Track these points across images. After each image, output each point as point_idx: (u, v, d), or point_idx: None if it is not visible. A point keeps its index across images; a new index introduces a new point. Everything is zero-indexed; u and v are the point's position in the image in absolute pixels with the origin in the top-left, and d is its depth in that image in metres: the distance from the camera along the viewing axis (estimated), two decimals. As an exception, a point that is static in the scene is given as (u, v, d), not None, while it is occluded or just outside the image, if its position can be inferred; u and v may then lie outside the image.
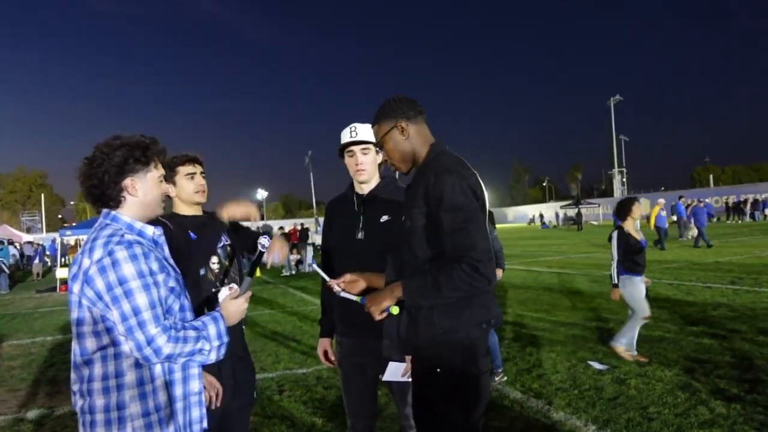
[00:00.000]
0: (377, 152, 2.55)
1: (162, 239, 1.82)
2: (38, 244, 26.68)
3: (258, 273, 17.19)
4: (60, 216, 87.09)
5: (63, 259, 21.86)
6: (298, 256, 18.22)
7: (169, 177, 2.40)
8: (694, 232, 17.65)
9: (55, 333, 8.88)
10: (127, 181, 1.71)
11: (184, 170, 2.43)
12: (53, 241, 29.97)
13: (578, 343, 6.00)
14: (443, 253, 1.85)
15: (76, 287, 1.62)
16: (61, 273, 17.13)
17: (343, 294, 2.20)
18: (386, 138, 2.08)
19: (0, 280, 17.88)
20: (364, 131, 2.52)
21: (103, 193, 1.69)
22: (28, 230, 60.92)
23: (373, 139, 2.47)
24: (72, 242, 31.30)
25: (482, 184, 1.99)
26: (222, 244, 2.52)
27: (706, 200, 41.72)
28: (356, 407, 2.61)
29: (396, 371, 2.25)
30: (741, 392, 4.17)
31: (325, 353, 2.71)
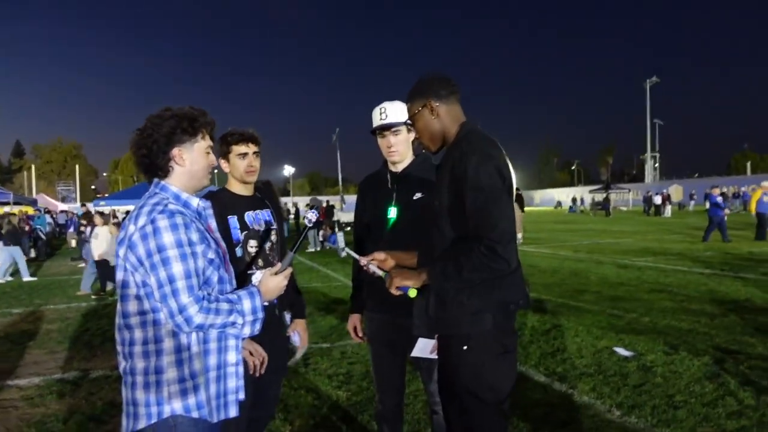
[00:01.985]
0: (408, 131, 2.54)
1: (208, 212, 1.87)
2: (72, 213, 27.41)
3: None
4: (93, 187, 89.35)
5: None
6: (324, 232, 18.36)
7: (224, 153, 2.47)
8: None
9: (89, 299, 9.19)
10: (175, 151, 1.74)
11: (237, 149, 2.46)
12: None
13: (604, 329, 5.95)
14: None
15: (121, 252, 1.68)
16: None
17: (371, 268, 2.21)
18: (417, 117, 2.08)
19: (39, 247, 18.49)
20: (394, 112, 2.50)
21: (153, 162, 1.74)
22: (63, 200, 62.72)
23: (404, 119, 2.47)
24: (106, 212, 32.19)
25: (510, 165, 1.96)
26: (266, 227, 2.55)
27: (743, 189, 40.67)
28: (385, 382, 2.66)
29: (425, 348, 2.27)
30: (772, 385, 4.10)
31: (355, 329, 2.75)
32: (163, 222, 1.62)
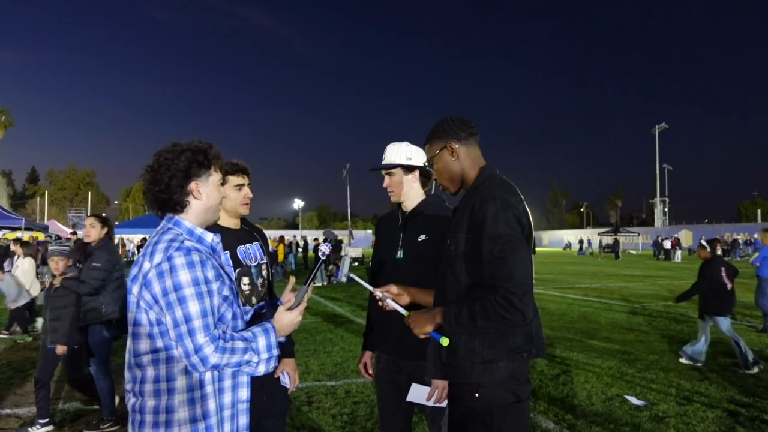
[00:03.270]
0: (406, 172, 2.57)
1: (220, 247, 1.84)
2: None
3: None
4: (104, 215, 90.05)
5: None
6: (332, 267, 18.32)
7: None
8: None
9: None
10: (192, 185, 1.73)
11: (234, 180, 2.40)
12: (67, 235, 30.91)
13: (614, 376, 5.82)
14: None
15: (135, 289, 1.65)
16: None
17: (390, 303, 2.18)
18: (436, 158, 2.09)
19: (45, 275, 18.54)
20: (391, 153, 2.58)
21: (170, 198, 1.71)
22: (74, 226, 63.16)
23: (399, 161, 2.55)
24: (116, 241, 32.36)
25: (529, 213, 1.94)
26: (257, 262, 2.48)
27: (754, 236, 40.31)
28: (389, 425, 2.60)
29: (420, 394, 2.23)
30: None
31: (365, 366, 2.72)
32: (179, 260, 1.60)
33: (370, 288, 2.28)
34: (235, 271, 2.34)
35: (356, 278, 2.41)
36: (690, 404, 4.84)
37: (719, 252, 7.73)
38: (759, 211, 65.06)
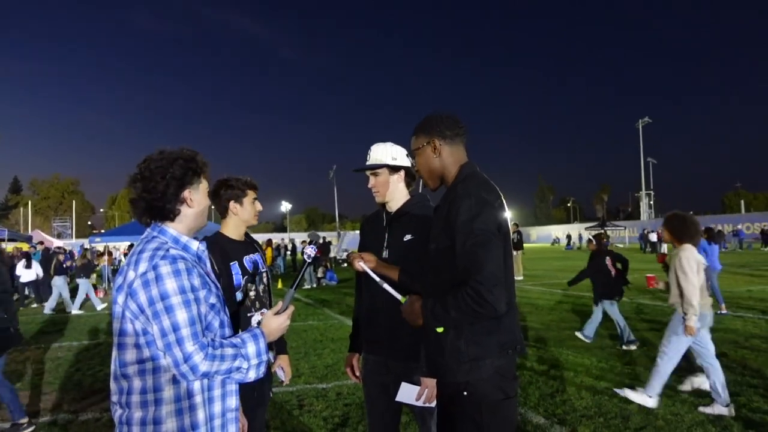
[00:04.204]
0: (391, 172, 2.57)
1: (205, 254, 1.84)
2: (65, 250, 27.25)
3: (280, 285, 17.26)
4: (89, 223, 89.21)
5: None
6: (322, 268, 18.28)
7: (238, 197, 2.58)
8: None
9: (81, 338, 9.05)
10: (186, 193, 1.74)
11: (252, 194, 2.63)
12: (82, 247, 30.63)
13: (603, 369, 5.88)
14: None
15: (120, 299, 1.64)
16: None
17: (385, 287, 2.19)
18: (419, 152, 2.11)
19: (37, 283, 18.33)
20: (376, 153, 2.58)
21: (164, 207, 1.71)
22: (59, 236, 62.48)
23: (384, 161, 2.55)
24: (101, 249, 31.97)
25: (506, 211, 1.96)
26: (259, 271, 2.65)
27: (738, 226, 40.94)
28: (378, 426, 2.60)
29: (409, 393, 2.24)
30: (775, 428, 4.03)
31: (352, 368, 2.72)
32: (165, 268, 1.59)
33: (387, 287, 2.22)
34: (243, 279, 2.52)
35: (372, 274, 2.38)
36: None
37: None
38: (742, 201, 66.10)
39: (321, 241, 23.45)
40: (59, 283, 13.18)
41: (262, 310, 2.55)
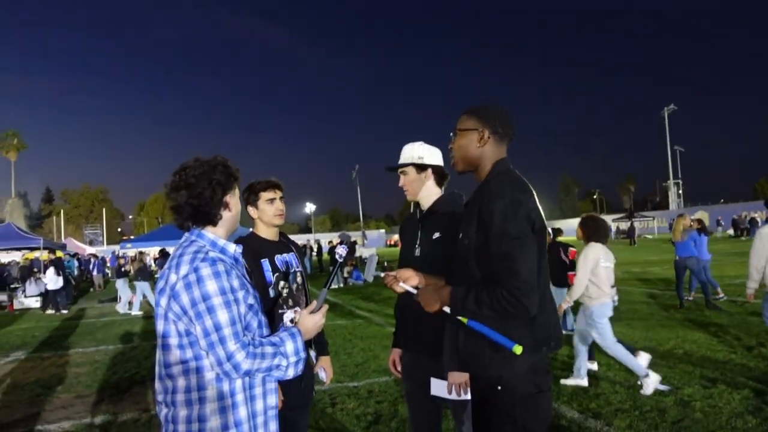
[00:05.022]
0: (419, 171, 2.61)
1: (241, 257, 1.91)
2: (96, 257, 27.93)
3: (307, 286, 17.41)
4: (119, 229, 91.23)
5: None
6: (349, 268, 18.38)
7: (253, 200, 2.64)
8: None
9: (117, 342, 9.28)
10: (228, 198, 1.82)
11: (266, 195, 2.64)
12: (113, 253, 31.35)
13: (637, 363, 5.78)
14: None
15: (163, 301, 1.69)
16: (120, 284, 17.85)
17: (402, 285, 2.24)
18: (463, 133, 2.07)
19: (67, 291, 18.85)
20: (404, 153, 2.65)
21: (210, 212, 1.77)
22: (91, 243, 64.03)
23: (409, 161, 2.61)
24: (131, 254, 32.70)
25: (540, 209, 1.95)
26: (293, 270, 2.69)
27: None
28: (417, 420, 2.65)
29: (441, 387, 2.26)
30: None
31: (394, 363, 2.77)
32: (206, 270, 1.64)
33: (383, 274, 2.34)
34: (273, 276, 2.58)
35: (378, 273, 2.48)
36: (715, 386, 4.80)
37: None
38: (775, 187, 64.12)
39: (354, 241, 23.60)
40: (120, 285, 14.23)
41: (296, 308, 2.60)
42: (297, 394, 2.51)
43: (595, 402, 4.61)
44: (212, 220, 1.79)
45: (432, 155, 2.64)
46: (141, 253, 16.45)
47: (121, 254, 21.66)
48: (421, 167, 2.61)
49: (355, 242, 24.38)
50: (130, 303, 13.81)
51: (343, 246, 2.24)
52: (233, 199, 1.84)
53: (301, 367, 1.76)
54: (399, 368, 2.75)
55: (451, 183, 2.74)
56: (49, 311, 14.95)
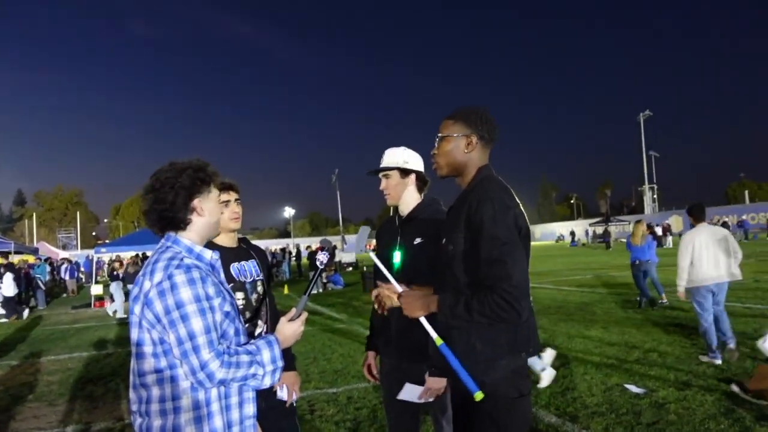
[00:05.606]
0: (402, 176, 2.61)
1: (218, 264, 1.86)
2: (70, 261, 27.35)
3: (286, 291, 17.30)
4: (94, 233, 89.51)
5: (97, 276, 22.40)
6: (327, 273, 18.32)
7: None
8: None
9: (91, 349, 9.09)
10: (196, 202, 1.76)
11: (221, 197, 2.48)
12: (87, 257, 30.75)
13: (613, 366, 5.87)
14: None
15: (137, 309, 1.66)
16: (95, 290, 17.52)
17: (421, 320, 2.21)
18: (451, 139, 2.05)
19: (37, 296, 18.41)
20: (389, 156, 2.64)
21: (175, 216, 1.73)
22: (64, 247, 62.69)
23: (396, 164, 2.59)
24: (106, 259, 32.05)
25: (525, 214, 1.96)
26: (252, 279, 2.53)
27: (743, 217, 40.82)
28: (396, 426, 2.65)
29: (412, 392, 2.27)
30: (788, 419, 4.02)
31: (369, 367, 2.75)
32: (180, 277, 1.61)
33: (384, 270, 2.24)
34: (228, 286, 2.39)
35: (375, 258, 2.39)
36: (689, 389, 4.89)
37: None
38: (746, 192, 65.84)
39: (333, 246, 23.51)
40: (114, 289, 14.29)
41: (257, 321, 2.47)
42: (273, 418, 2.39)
43: (572, 405, 4.66)
44: (178, 225, 1.75)
45: (416, 161, 2.64)
46: (136, 256, 16.26)
47: (113, 258, 21.33)
48: (405, 172, 2.61)
49: (335, 247, 24.31)
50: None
51: (324, 252, 2.19)
52: (206, 204, 1.78)
53: (278, 375, 1.73)
54: (374, 372, 2.73)
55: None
56: (3, 320, 14.32)
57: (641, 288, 10.03)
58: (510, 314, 1.76)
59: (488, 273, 1.80)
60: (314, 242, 35.23)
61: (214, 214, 1.81)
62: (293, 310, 1.88)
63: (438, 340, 1.89)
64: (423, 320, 1.95)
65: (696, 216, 6.18)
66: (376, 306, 2.27)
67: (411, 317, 1.98)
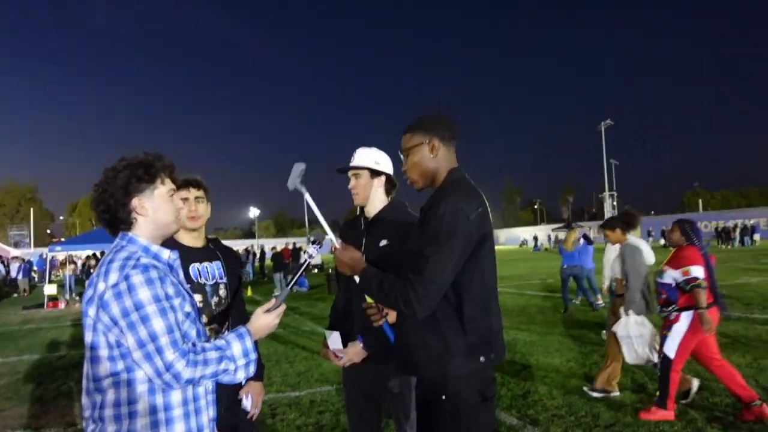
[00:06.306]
0: (372, 176, 2.59)
1: (177, 263, 1.79)
2: (23, 260, 26.29)
3: (249, 292, 17.04)
4: (49, 231, 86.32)
5: (51, 276, 21.61)
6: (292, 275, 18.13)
7: None
8: None
9: (43, 351, 8.74)
10: (135, 202, 1.67)
11: (178, 194, 2.38)
12: (41, 256, 29.61)
13: (573, 369, 5.99)
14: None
15: (91, 311, 1.58)
16: (48, 289, 16.90)
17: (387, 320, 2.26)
18: (414, 150, 2.05)
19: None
20: (360, 156, 2.60)
21: (114, 217, 1.66)
22: (16, 245, 60.13)
23: (367, 164, 2.56)
24: (61, 258, 30.93)
25: (489, 219, 1.96)
26: (214, 281, 2.44)
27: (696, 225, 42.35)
28: (357, 428, 2.62)
29: (335, 342, 2.42)
30: (738, 421, 4.17)
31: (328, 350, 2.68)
32: (137, 278, 1.54)
33: (323, 221, 2.27)
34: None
35: (312, 204, 2.32)
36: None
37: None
38: (700, 201, 68.48)
39: (291, 247, 23.26)
40: None
41: (214, 325, 2.38)
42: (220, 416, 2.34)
43: (533, 408, 4.72)
44: (119, 226, 1.68)
45: (387, 163, 2.63)
46: (93, 254, 15.68)
47: (90, 255, 20.43)
48: (375, 173, 2.59)
49: (299, 248, 24.09)
50: None
51: (314, 246, 2.12)
52: (148, 201, 1.68)
53: (252, 368, 1.68)
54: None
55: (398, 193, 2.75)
56: None
57: (563, 293, 10.41)
58: (406, 305, 1.83)
59: (411, 264, 1.86)
60: (279, 243, 34.83)
61: (161, 211, 1.71)
62: (272, 301, 1.80)
63: (369, 300, 2.08)
64: (356, 277, 2.05)
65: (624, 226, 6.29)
66: (373, 315, 2.23)
67: (342, 270, 2.07)
